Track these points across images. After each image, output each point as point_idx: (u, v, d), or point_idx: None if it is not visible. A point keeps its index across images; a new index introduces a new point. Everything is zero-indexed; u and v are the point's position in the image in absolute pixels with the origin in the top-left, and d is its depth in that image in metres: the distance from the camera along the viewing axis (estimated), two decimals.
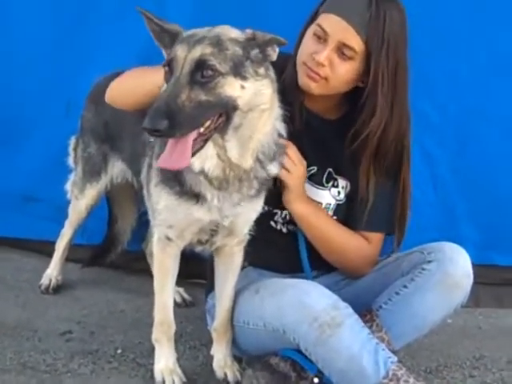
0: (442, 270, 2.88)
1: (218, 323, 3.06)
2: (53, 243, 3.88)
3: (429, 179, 3.84)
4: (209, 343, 3.17)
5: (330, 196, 3.11)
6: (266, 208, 3.02)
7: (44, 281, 3.81)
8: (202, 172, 2.65)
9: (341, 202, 3.12)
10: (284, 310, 2.78)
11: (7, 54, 4.05)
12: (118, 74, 3.06)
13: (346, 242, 3.08)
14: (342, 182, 3.10)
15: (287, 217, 3.11)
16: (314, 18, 2.95)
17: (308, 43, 2.93)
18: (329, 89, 2.93)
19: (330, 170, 3.10)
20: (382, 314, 2.96)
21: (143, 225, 3.77)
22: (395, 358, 2.68)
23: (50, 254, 3.89)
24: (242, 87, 2.50)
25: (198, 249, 2.98)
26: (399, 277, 2.98)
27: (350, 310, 2.75)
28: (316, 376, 2.87)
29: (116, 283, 3.97)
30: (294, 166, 2.92)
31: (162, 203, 2.81)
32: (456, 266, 2.89)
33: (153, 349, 3.03)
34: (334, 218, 3.11)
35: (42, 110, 4.03)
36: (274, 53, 2.57)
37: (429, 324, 2.97)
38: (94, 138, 3.49)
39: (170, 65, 2.50)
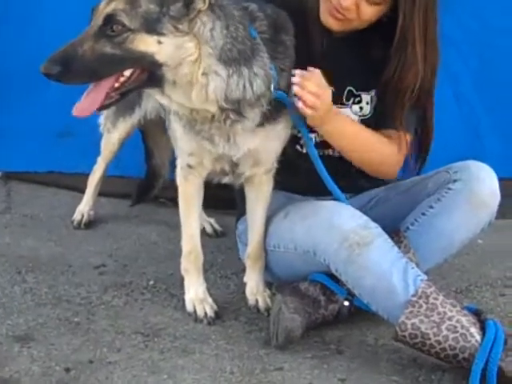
0: (469, 189, 2.85)
1: (250, 250, 3.08)
2: (86, 176, 3.90)
3: (452, 97, 3.83)
4: (240, 272, 3.21)
5: (351, 113, 3.05)
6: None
7: (76, 216, 3.85)
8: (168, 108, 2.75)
9: (366, 117, 3.06)
10: (314, 232, 2.79)
11: None
12: None
13: (380, 147, 2.98)
14: (365, 97, 3.05)
15: (313, 140, 3.06)
16: None
17: None
18: (350, 27, 2.89)
19: (350, 88, 3.04)
20: (410, 234, 2.95)
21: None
22: (425, 276, 2.67)
23: (81, 189, 3.92)
24: (159, 42, 2.49)
25: (225, 180, 2.98)
26: (425, 197, 2.96)
27: (380, 229, 2.75)
28: (346, 299, 2.89)
29: (147, 216, 4.01)
30: (317, 101, 2.72)
31: (178, 131, 2.85)
32: (482, 184, 2.86)
33: None
34: None
35: None
36: (202, 3, 2.51)
37: (456, 244, 2.95)
38: None
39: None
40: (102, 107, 2.57)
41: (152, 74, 2.55)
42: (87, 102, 2.54)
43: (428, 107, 3.05)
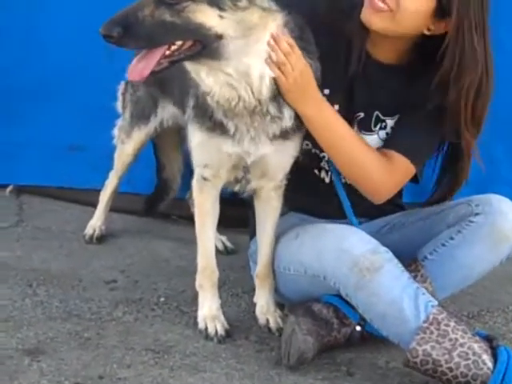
0: (490, 223, 2.83)
1: (259, 269, 3.07)
2: (98, 191, 3.90)
3: None
4: (251, 291, 3.19)
5: (379, 139, 3.02)
6: (313, 151, 3.02)
7: (88, 231, 3.84)
8: (210, 94, 2.68)
9: None
10: (323, 256, 2.78)
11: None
12: None
13: (367, 157, 2.87)
14: (390, 122, 3.02)
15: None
16: None
17: None
18: (393, 24, 2.77)
19: (377, 112, 3.01)
20: (428, 264, 2.94)
21: (189, 174, 3.78)
22: (436, 302, 2.66)
23: (94, 204, 3.92)
24: (221, 17, 2.49)
25: (236, 188, 2.98)
26: (444, 228, 2.94)
27: (390, 254, 2.74)
28: (358, 324, 2.88)
29: (160, 232, 4.01)
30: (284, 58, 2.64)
31: (195, 140, 2.85)
32: (504, 219, 2.83)
33: (196, 296, 3.06)
34: None
35: (85, 56, 4.02)
36: None
37: (474, 276, 2.96)
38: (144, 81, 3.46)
39: None
40: (153, 73, 2.54)
41: (205, 46, 2.53)
42: (141, 66, 2.53)
43: (466, 144, 2.96)
